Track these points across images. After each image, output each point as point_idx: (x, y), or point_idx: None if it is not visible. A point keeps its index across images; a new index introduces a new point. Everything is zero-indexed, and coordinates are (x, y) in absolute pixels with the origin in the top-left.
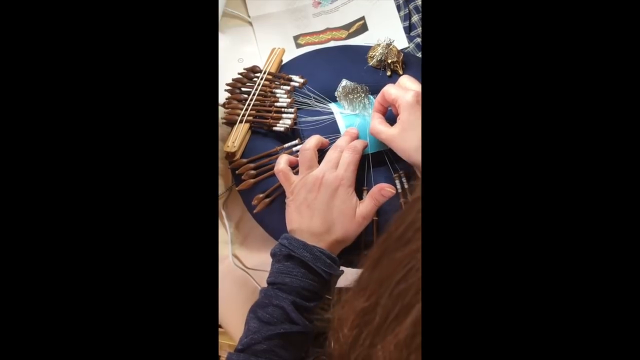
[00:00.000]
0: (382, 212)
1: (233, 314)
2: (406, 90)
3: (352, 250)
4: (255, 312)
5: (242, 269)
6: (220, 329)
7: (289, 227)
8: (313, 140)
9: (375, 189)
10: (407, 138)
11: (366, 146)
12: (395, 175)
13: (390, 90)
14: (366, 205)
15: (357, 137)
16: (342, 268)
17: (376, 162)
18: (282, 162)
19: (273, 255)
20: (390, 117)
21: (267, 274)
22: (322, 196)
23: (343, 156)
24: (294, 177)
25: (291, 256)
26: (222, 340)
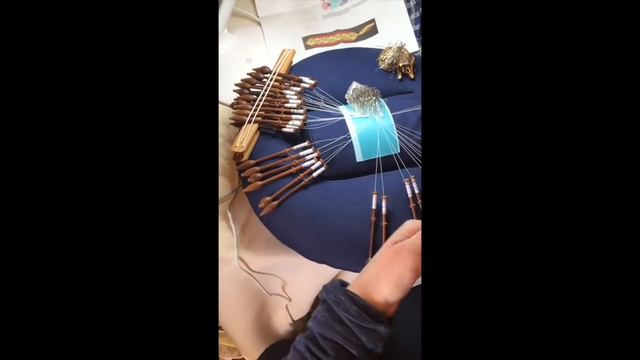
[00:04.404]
0: (392, 218)
1: (234, 317)
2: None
3: (358, 254)
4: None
5: (247, 272)
6: (220, 331)
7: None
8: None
9: None
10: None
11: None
12: (406, 180)
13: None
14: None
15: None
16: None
17: (386, 165)
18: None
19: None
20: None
21: (272, 278)
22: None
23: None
24: None
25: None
26: (221, 342)
